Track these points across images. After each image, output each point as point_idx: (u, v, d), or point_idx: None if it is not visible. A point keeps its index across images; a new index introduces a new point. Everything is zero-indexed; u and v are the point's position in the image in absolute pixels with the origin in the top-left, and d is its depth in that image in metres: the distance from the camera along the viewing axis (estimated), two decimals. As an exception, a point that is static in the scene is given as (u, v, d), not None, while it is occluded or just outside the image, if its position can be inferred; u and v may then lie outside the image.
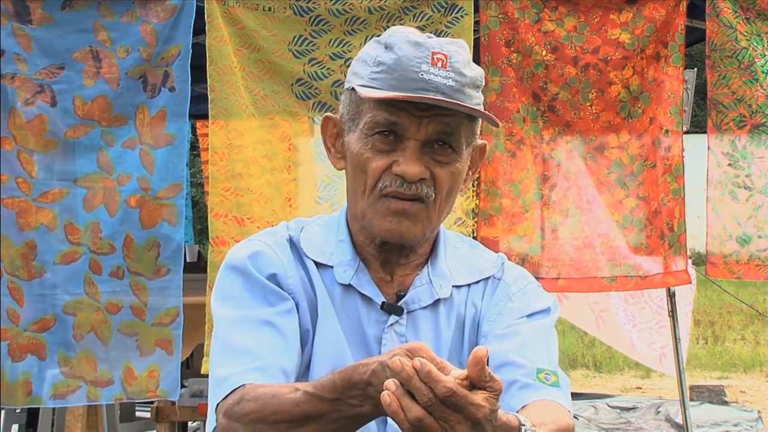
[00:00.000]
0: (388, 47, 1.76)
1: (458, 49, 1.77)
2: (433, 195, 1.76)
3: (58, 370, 3.91)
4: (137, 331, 3.92)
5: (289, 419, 1.57)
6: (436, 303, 1.83)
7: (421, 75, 1.72)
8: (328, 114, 1.87)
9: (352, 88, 1.79)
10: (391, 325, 1.80)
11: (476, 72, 1.78)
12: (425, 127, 1.74)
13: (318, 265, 1.83)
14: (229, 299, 1.79)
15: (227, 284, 1.81)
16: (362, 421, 1.55)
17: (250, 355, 1.70)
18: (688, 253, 4.34)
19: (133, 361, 3.92)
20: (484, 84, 1.81)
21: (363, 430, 1.74)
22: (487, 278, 1.89)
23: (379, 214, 1.76)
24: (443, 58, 1.74)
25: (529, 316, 1.85)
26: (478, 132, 1.84)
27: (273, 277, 1.79)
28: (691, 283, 4.62)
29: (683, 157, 4.27)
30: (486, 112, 1.77)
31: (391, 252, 1.83)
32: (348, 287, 1.81)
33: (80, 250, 3.91)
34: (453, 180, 1.78)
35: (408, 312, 1.81)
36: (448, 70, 1.74)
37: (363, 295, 1.81)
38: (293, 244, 1.84)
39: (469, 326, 1.85)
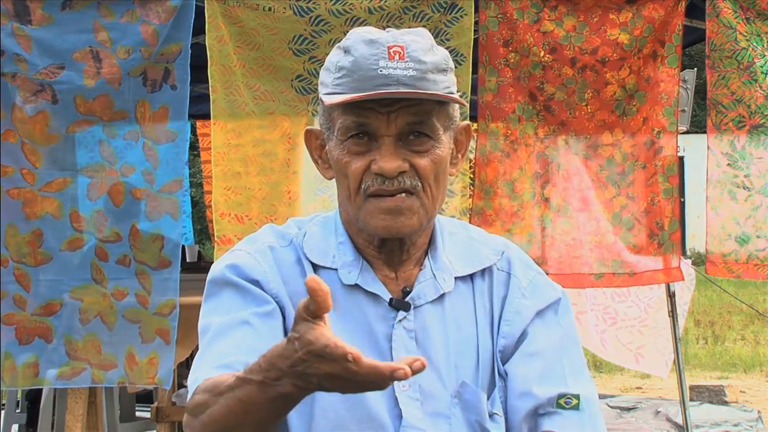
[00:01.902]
0: (346, 51, 1.78)
1: (415, 38, 1.77)
2: (420, 184, 1.76)
3: (65, 360, 4.00)
4: (140, 319, 4.01)
5: (228, 409, 1.56)
6: (442, 297, 1.84)
7: (380, 71, 1.72)
8: (309, 128, 1.88)
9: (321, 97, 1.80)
10: (400, 321, 1.80)
11: (439, 56, 1.77)
12: (394, 121, 1.74)
13: (316, 267, 1.83)
14: (211, 311, 1.80)
15: (209, 298, 1.81)
16: (288, 403, 1.52)
17: (220, 354, 1.70)
18: (688, 252, 4.36)
19: (135, 347, 4.01)
20: (451, 65, 1.80)
21: (377, 427, 1.75)
22: (489, 268, 1.88)
23: (371, 214, 1.76)
24: (400, 50, 1.74)
25: (544, 311, 1.86)
26: (456, 115, 1.82)
27: (256, 283, 1.79)
28: (683, 280, 4.64)
29: (677, 157, 4.28)
30: (449, 95, 1.75)
31: (392, 250, 1.83)
32: (353, 287, 1.81)
33: (85, 237, 4.00)
34: (436, 167, 1.77)
35: (415, 307, 1.81)
36: (406, 61, 1.73)
37: (369, 294, 1.81)
38: (293, 247, 1.84)
39: (483, 320, 1.85)
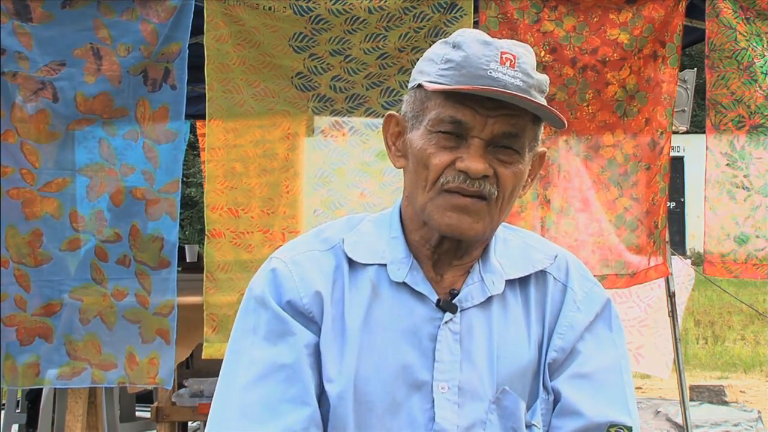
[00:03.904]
0: (456, 46, 1.75)
1: (525, 52, 1.76)
2: (496, 193, 1.74)
3: (65, 360, 4.02)
4: (140, 319, 4.02)
5: None
6: (489, 300, 1.82)
7: (490, 73, 1.70)
8: (391, 112, 1.86)
9: (418, 86, 1.78)
10: (446, 322, 1.78)
11: (543, 77, 1.77)
12: (491, 126, 1.72)
13: (354, 265, 1.81)
14: (245, 333, 1.80)
15: (247, 314, 1.81)
16: None
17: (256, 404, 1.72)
18: (688, 252, 4.36)
19: (135, 347, 4.03)
20: (547, 91, 1.79)
21: (410, 421, 1.75)
22: (545, 277, 1.86)
23: (439, 209, 1.75)
24: (512, 58, 1.73)
25: (596, 324, 1.84)
26: (540, 137, 1.81)
27: (289, 305, 1.78)
28: (669, 275, 4.64)
29: (670, 156, 4.29)
30: (554, 109, 1.74)
31: (446, 253, 1.81)
32: (400, 285, 1.80)
33: (84, 237, 4.01)
34: (516, 180, 1.76)
35: (461, 310, 1.80)
36: (516, 71, 1.72)
37: (416, 293, 1.80)
38: (336, 252, 1.83)
39: (534, 330, 1.83)
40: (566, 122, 1.78)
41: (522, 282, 1.85)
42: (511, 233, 1.92)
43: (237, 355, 1.78)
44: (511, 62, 1.72)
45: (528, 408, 1.80)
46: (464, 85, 1.70)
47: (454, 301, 1.80)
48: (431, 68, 1.76)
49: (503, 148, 1.74)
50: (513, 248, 1.88)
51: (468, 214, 1.74)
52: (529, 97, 1.70)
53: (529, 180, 1.84)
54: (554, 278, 1.87)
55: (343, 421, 1.75)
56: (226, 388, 1.76)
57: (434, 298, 1.79)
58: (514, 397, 1.78)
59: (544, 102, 1.75)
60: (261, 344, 1.76)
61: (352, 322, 1.77)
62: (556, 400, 1.80)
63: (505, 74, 1.71)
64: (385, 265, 1.81)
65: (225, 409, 1.74)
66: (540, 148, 1.83)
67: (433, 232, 1.79)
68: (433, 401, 1.76)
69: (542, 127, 1.81)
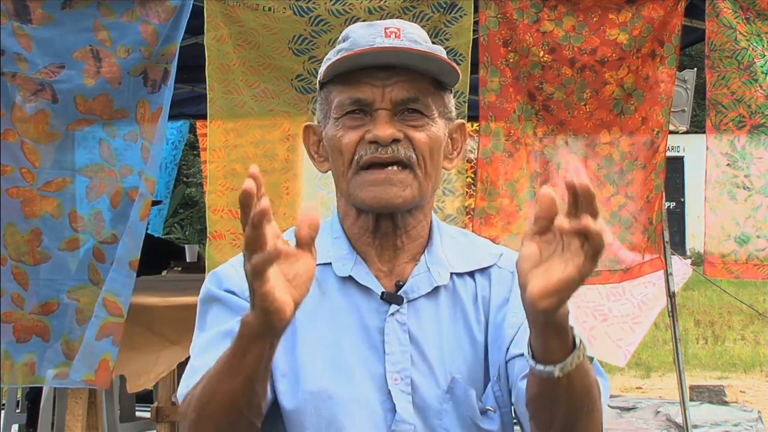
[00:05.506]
0: (344, 39, 1.82)
1: (412, 27, 1.81)
2: (414, 156, 1.76)
3: (62, 360, 4.00)
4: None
5: (203, 388, 1.59)
6: (437, 290, 1.83)
7: (376, 46, 1.76)
8: (308, 123, 1.89)
9: (320, 86, 1.84)
10: (392, 314, 1.79)
11: (436, 47, 1.80)
12: (389, 94, 1.76)
13: None
14: (198, 330, 1.81)
15: (198, 319, 1.82)
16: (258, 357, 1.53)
17: (204, 368, 1.68)
18: (688, 252, 4.37)
19: None
20: (444, 56, 1.81)
21: (369, 414, 1.75)
22: (487, 268, 1.87)
23: (360, 187, 1.77)
24: (396, 31, 1.78)
25: None
26: (452, 107, 1.85)
27: (232, 293, 1.79)
28: (665, 269, 4.65)
29: (666, 154, 4.30)
30: (442, 56, 1.76)
31: (386, 236, 1.82)
32: (346, 280, 1.81)
33: (83, 237, 4.01)
34: (432, 142, 1.78)
35: (408, 301, 1.81)
36: (402, 40, 1.77)
37: (362, 287, 1.81)
38: None
39: (479, 316, 1.84)
40: (459, 72, 1.81)
41: (470, 276, 1.86)
42: (459, 233, 1.94)
43: (193, 349, 1.79)
44: (396, 34, 1.77)
45: (481, 394, 1.80)
46: (351, 63, 1.75)
47: (400, 293, 1.81)
48: (327, 65, 1.81)
49: (410, 113, 1.77)
50: (460, 245, 1.90)
51: (392, 185, 1.76)
52: (407, 47, 1.74)
53: (455, 153, 1.87)
54: (499, 267, 1.88)
55: (304, 420, 1.75)
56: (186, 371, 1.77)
57: (379, 290, 1.80)
58: (464, 385, 1.78)
59: (429, 52, 1.76)
60: (213, 330, 1.76)
61: (300, 321, 1.77)
62: (517, 357, 1.77)
63: (391, 44, 1.76)
64: (330, 263, 1.82)
65: (182, 385, 1.73)
66: (457, 120, 1.87)
67: (367, 217, 1.81)
68: (389, 393, 1.76)
69: (450, 96, 1.84)
